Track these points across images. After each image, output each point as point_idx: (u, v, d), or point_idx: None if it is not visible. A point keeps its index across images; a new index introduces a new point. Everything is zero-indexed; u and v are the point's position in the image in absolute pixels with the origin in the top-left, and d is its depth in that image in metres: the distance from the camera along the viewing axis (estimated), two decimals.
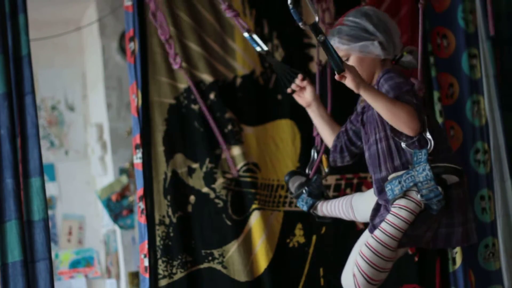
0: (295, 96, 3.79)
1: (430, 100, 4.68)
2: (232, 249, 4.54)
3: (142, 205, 4.46)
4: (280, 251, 4.61)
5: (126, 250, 6.38)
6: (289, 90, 3.79)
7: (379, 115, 3.23)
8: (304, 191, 3.82)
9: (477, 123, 4.73)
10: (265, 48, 3.88)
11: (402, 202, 3.19)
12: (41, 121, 6.79)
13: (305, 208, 3.84)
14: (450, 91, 4.78)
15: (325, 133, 3.76)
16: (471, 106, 4.74)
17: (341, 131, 3.69)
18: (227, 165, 4.65)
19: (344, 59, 3.31)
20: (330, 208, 3.79)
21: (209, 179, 4.60)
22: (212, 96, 4.68)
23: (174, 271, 4.45)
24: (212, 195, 4.60)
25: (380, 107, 3.13)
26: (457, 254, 4.51)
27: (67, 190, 6.96)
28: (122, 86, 6.49)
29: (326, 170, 3.94)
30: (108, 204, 6.42)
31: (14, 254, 3.81)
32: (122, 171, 6.48)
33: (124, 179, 6.45)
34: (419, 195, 3.17)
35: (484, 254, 4.66)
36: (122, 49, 6.44)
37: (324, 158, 3.95)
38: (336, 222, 4.63)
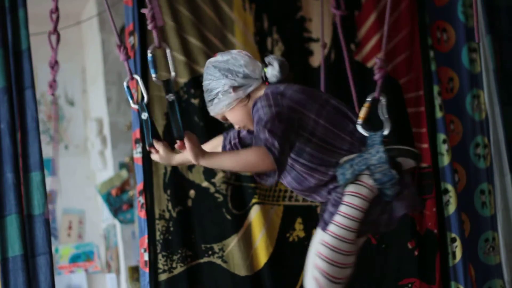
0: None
1: (429, 93, 4.69)
2: (232, 243, 4.54)
3: (142, 199, 4.46)
4: (280, 246, 4.62)
5: (126, 245, 6.38)
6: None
7: None
8: None
9: (477, 117, 4.73)
10: (146, 97, 3.26)
11: (353, 188, 3.00)
12: (41, 116, 6.78)
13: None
14: (450, 85, 4.78)
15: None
16: (471, 100, 4.75)
17: (228, 134, 3.48)
18: None
19: (226, 118, 3.19)
20: None
21: (209, 173, 4.60)
22: None
23: (174, 265, 4.45)
24: (212, 190, 4.60)
25: (228, 165, 2.94)
26: (457, 248, 4.52)
27: (67, 185, 6.95)
28: (122, 80, 6.47)
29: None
30: (108, 199, 6.42)
31: (14, 248, 3.82)
32: (122, 165, 6.48)
33: (124, 173, 6.45)
34: (371, 180, 2.99)
35: (484, 248, 4.66)
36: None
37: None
38: None
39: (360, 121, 3.09)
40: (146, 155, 4.50)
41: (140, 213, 4.48)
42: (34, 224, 3.89)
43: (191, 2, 4.72)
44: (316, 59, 4.83)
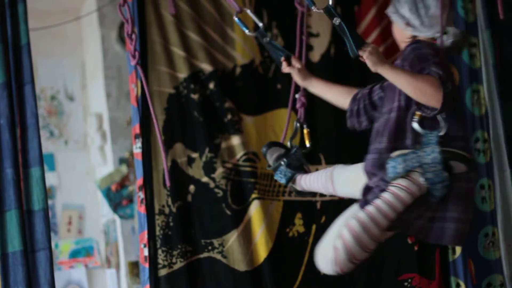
0: (292, 74, 3.59)
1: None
2: (232, 238, 4.54)
3: (141, 194, 4.46)
4: (280, 241, 4.62)
5: (126, 240, 6.38)
6: (282, 70, 3.61)
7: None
8: (282, 162, 3.62)
9: (477, 112, 4.73)
10: (260, 24, 3.69)
11: (403, 182, 3.01)
12: (41, 111, 6.78)
13: (283, 181, 3.63)
14: None
15: (334, 100, 3.57)
16: (470, 95, 4.74)
17: (360, 93, 3.45)
18: (227, 154, 4.65)
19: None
20: (309, 182, 3.57)
21: (209, 168, 4.60)
22: (211, 85, 4.68)
23: (174, 260, 4.45)
24: (212, 185, 4.60)
25: (402, 84, 3.00)
26: None
27: (67, 180, 6.95)
28: (121, 75, 6.48)
29: (308, 144, 3.83)
30: (108, 194, 6.42)
31: (14, 244, 3.82)
32: (122, 161, 6.47)
33: (124, 168, 6.45)
34: (422, 178, 3.02)
35: (483, 243, 4.66)
36: (122, 39, 6.42)
37: (306, 131, 3.88)
38: (335, 211, 4.63)
39: (416, 118, 3.10)
40: (146, 150, 4.50)
41: (139, 208, 4.48)
42: (33, 220, 3.89)
43: None
44: (316, 54, 4.83)
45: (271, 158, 3.70)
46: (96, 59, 6.69)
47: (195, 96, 4.64)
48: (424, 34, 3.20)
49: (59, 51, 7.03)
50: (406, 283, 4.63)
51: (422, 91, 2.94)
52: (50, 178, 6.78)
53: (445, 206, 3.08)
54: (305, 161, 3.70)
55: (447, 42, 3.20)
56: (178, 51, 4.65)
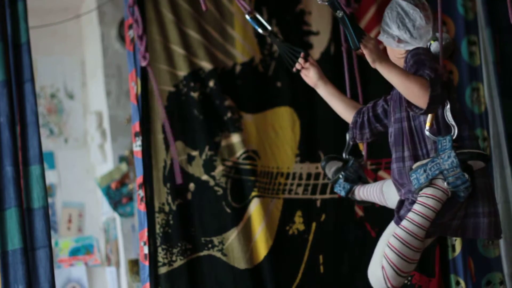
0: (302, 75, 3.68)
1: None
2: (232, 236, 4.55)
3: (141, 192, 4.46)
4: (279, 239, 4.62)
5: (126, 238, 6.38)
6: (294, 70, 3.69)
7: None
8: (340, 176, 3.78)
9: (477, 110, 4.73)
10: (269, 27, 3.80)
11: (428, 191, 3.14)
12: (41, 109, 6.78)
13: (342, 194, 3.79)
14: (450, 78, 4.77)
15: (339, 109, 3.66)
16: (470, 93, 4.74)
17: (366, 107, 3.59)
18: (227, 152, 4.66)
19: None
20: (366, 193, 3.74)
21: (209, 166, 4.60)
22: (211, 83, 4.68)
23: (173, 258, 4.46)
24: (212, 183, 4.60)
25: (395, 81, 3.10)
26: (457, 241, 4.52)
27: (67, 178, 6.96)
28: (121, 73, 6.48)
29: (363, 153, 3.94)
30: (108, 192, 6.42)
31: (14, 242, 3.82)
32: (122, 159, 6.48)
33: (124, 167, 6.45)
34: (445, 183, 3.13)
35: (483, 241, 4.66)
36: (121, 37, 6.42)
37: (361, 143, 3.95)
38: (335, 209, 4.65)
39: (427, 127, 3.21)
40: (145, 148, 4.50)
41: (139, 206, 4.48)
42: (33, 218, 3.89)
43: None
44: (316, 52, 4.82)
45: (329, 172, 3.86)
46: (96, 57, 6.70)
47: (195, 94, 4.64)
48: (416, 45, 3.30)
49: (59, 49, 7.03)
50: (406, 281, 4.63)
51: (411, 91, 3.05)
52: (50, 176, 6.79)
53: (474, 202, 3.20)
54: (362, 172, 3.84)
55: (439, 48, 3.29)
56: (178, 49, 4.65)
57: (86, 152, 7.02)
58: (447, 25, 4.79)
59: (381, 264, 3.20)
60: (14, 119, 3.94)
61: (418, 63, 3.15)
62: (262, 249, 4.57)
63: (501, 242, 4.68)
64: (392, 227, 3.30)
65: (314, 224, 4.70)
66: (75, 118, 7.07)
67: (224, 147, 4.65)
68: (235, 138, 4.66)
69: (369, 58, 3.12)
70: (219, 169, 4.61)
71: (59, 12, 6.36)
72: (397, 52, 3.34)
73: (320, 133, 4.75)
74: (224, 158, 4.64)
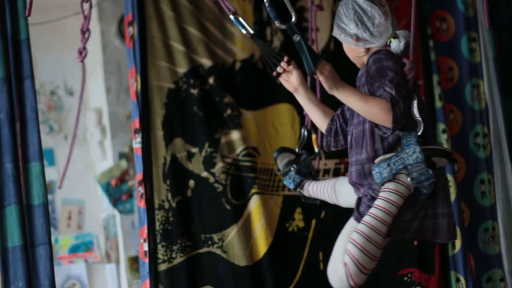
0: (281, 79, 3.55)
1: (429, 82, 4.69)
2: (232, 233, 4.55)
3: (141, 189, 4.46)
4: (279, 236, 4.62)
5: (126, 235, 6.38)
6: (274, 73, 3.58)
7: None
8: (292, 168, 3.75)
9: (477, 106, 4.73)
10: (251, 31, 3.77)
11: (391, 186, 3.11)
12: (40, 106, 6.77)
13: (291, 186, 3.76)
14: (450, 74, 4.78)
15: (316, 117, 3.59)
16: (470, 90, 4.74)
17: (336, 114, 3.55)
18: (227, 149, 4.65)
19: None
20: (316, 189, 3.71)
21: (209, 163, 4.60)
22: (211, 80, 4.68)
23: (173, 255, 4.46)
24: (212, 180, 4.60)
25: (354, 106, 3.10)
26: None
27: (67, 175, 6.95)
28: (121, 70, 6.47)
29: (316, 150, 3.91)
30: (108, 189, 6.42)
31: (14, 239, 3.82)
32: (122, 155, 6.47)
33: (124, 163, 6.44)
34: (409, 178, 3.10)
35: (483, 238, 4.67)
36: (121, 34, 6.42)
37: (314, 137, 3.93)
38: (336, 206, 4.63)
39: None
40: (145, 145, 4.50)
41: (139, 203, 4.48)
42: (33, 215, 3.89)
43: None
44: (315, 49, 4.82)
45: (281, 163, 3.81)
46: (96, 54, 6.69)
47: (194, 91, 4.64)
48: (376, 44, 3.27)
49: (59, 46, 7.02)
50: (406, 278, 4.63)
51: (373, 115, 3.06)
52: (50, 173, 6.78)
53: (434, 202, 3.17)
54: (313, 168, 3.82)
55: (401, 45, 3.28)
56: (177, 46, 4.64)
57: (85, 149, 7.01)
58: (447, 22, 4.80)
59: (343, 261, 3.11)
60: (14, 116, 3.94)
61: (379, 72, 3.12)
62: (262, 246, 4.57)
63: (502, 238, 4.69)
64: (351, 224, 3.24)
65: (314, 221, 4.70)
66: (75, 114, 7.06)
67: (224, 144, 4.65)
68: (235, 135, 4.66)
69: (325, 85, 3.11)
70: (219, 166, 4.61)
71: (59, 8, 6.35)
72: (356, 51, 3.31)
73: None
74: (224, 155, 4.64)
